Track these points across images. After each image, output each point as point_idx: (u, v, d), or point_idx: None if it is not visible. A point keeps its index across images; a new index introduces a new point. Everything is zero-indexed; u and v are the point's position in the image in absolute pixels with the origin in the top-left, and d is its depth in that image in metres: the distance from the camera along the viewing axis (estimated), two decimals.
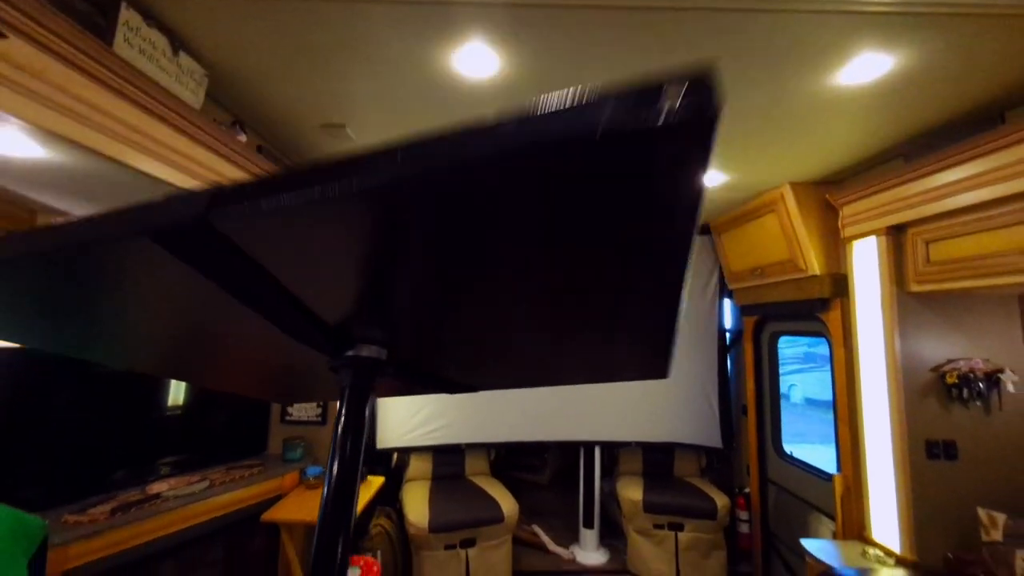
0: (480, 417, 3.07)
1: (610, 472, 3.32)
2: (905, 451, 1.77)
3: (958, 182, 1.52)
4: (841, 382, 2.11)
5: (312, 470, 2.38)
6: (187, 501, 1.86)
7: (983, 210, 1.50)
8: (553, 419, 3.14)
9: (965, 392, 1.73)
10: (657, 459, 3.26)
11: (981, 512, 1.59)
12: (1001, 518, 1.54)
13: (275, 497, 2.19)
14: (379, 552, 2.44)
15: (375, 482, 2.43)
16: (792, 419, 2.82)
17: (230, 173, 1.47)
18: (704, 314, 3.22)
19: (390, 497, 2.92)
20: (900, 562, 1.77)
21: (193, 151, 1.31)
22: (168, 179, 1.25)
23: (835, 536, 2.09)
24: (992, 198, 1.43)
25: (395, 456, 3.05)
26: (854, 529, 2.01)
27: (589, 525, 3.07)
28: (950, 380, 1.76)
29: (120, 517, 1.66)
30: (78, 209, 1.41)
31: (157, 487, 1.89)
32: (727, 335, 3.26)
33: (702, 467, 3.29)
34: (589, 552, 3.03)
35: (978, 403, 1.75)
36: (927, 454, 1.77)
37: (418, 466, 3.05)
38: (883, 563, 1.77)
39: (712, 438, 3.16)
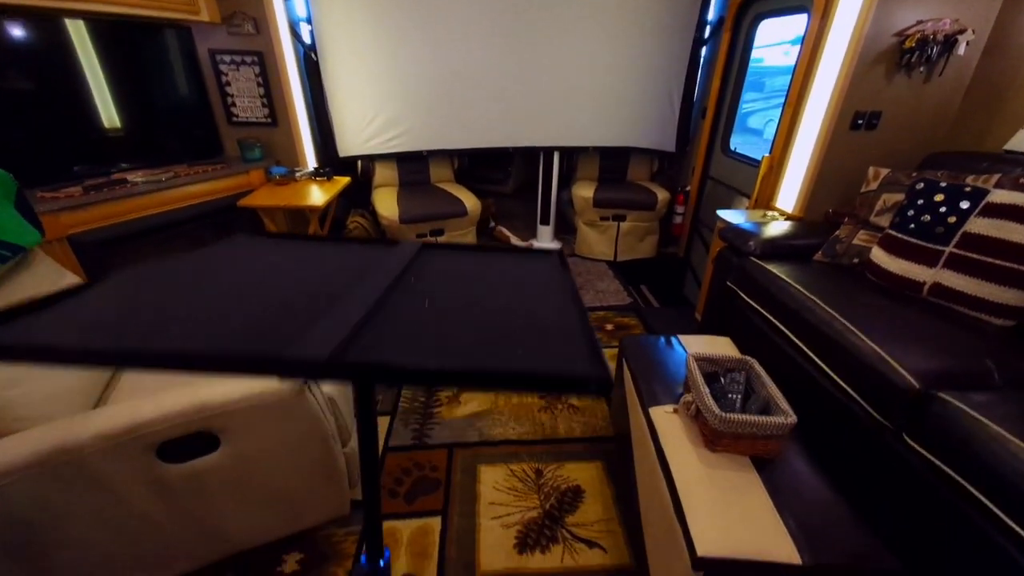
0: (440, 123, 3.03)
1: (568, 183, 3.56)
2: (833, 122, 1.88)
3: None
4: (804, 60, 2.04)
5: (276, 169, 2.47)
6: (157, 187, 1.97)
7: None
8: (514, 126, 3.13)
9: (916, 57, 1.71)
10: (612, 165, 3.46)
11: (871, 170, 1.83)
12: (884, 171, 1.78)
13: (247, 191, 2.34)
14: None
15: (341, 181, 2.57)
16: (743, 140, 2.86)
17: None
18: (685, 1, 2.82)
19: (363, 201, 3.16)
20: (789, 219, 2.15)
21: None
22: None
23: (748, 209, 2.45)
24: None
25: (360, 164, 3.13)
26: (764, 202, 2.34)
27: (545, 222, 3.50)
28: (908, 44, 1.71)
29: (95, 195, 1.78)
30: None
31: (120, 176, 1.96)
32: (707, 26, 2.94)
33: (653, 171, 3.53)
34: (544, 242, 3.57)
35: (922, 70, 1.77)
36: (851, 125, 1.89)
37: (384, 173, 3.19)
38: (774, 219, 2.13)
39: (667, 143, 3.28)
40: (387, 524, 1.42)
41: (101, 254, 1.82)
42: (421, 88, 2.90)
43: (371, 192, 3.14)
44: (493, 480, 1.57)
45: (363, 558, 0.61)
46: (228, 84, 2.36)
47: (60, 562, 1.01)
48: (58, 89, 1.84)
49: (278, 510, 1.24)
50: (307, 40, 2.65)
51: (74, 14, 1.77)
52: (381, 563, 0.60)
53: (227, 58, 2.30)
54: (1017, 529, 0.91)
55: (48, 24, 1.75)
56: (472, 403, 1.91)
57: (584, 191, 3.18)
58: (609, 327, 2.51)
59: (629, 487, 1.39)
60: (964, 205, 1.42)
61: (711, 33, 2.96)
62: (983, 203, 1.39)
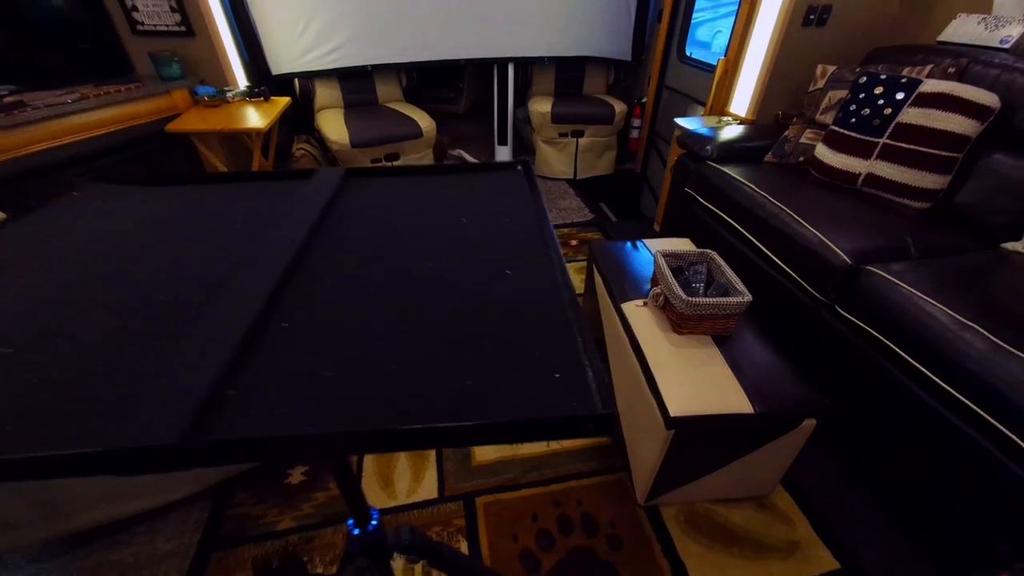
0: (382, 34, 2.76)
1: (524, 99, 3.42)
2: (787, 19, 1.89)
3: None
4: None
5: (203, 89, 2.19)
6: (61, 111, 1.71)
7: None
8: (464, 35, 2.90)
9: None
10: (568, 78, 3.33)
11: (819, 67, 1.89)
12: (831, 68, 1.84)
13: (173, 115, 2.08)
14: None
15: (280, 101, 2.34)
16: (696, 51, 2.80)
17: None
18: None
19: (306, 126, 2.91)
20: (742, 122, 2.21)
21: None
22: None
23: (703, 116, 2.49)
24: None
25: (297, 83, 2.83)
26: (719, 108, 2.38)
27: (503, 142, 3.40)
28: None
29: None
30: None
31: (13, 99, 1.68)
32: None
33: (609, 84, 3.45)
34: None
35: None
36: (804, 20, 1.91)
37: (326, 93, 2.91)
38: (728, 124, 2.19)
39: (623, 51, 3.17)
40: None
41: (6, 195, 1.61)
42: None
43: (313, 116, 2.89)
44: None
45: (350, 523, 0.55)
46: None
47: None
48: None
49: None
50: None
51: None
52: (370, 527, 0.55)
53: None
54: (923, 369, 1.11)
55: None
56: None
57: (541, 106, 3.08)
58: (574, 243, 2.58)
59: None
60: (899, 96, 1.53)
61: None
62: (915, 93, 1.50)
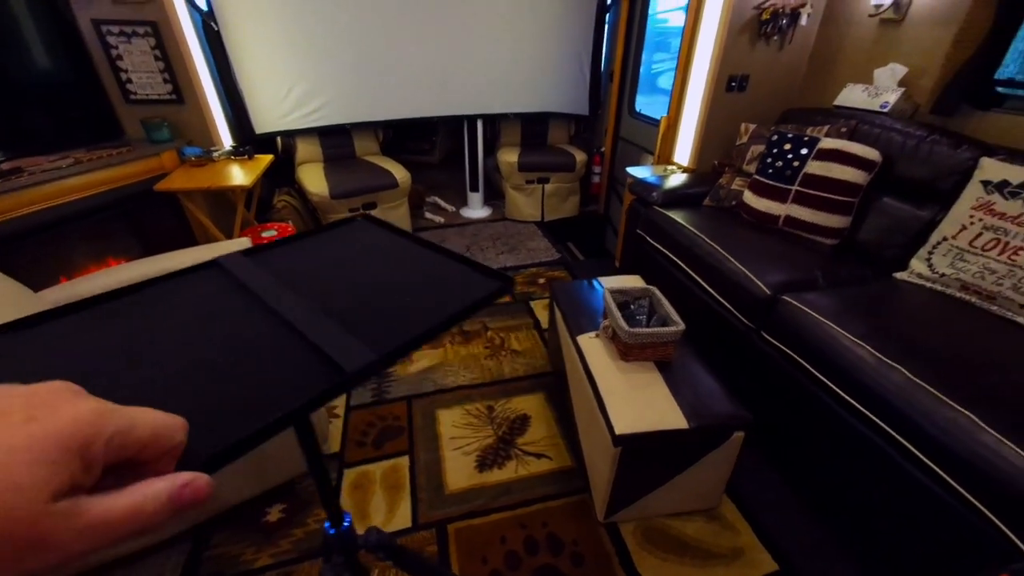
0: (360, 95, 3.01)
1: (493, 149, 3.70)
2: (712, 85, 2.20)
3: None
4: (688, 30, 2.32)
5: (190, 150, 2.36)
6: (56, 175, 1.84)
7: None
8: (436, 95, 3.18)
9: (771, 27, 2.05)
10: (533, 130, 3.64)
11: (742, 125, 2.19)
12: (751, 127, 2.14)
13: (161, 175, 2.23)
14: (288, 221, 2.78)
15: (263, 159, 2.51)
16: (652, 99, 3.16)
17: None
18: None
19: (288, 179, 3.08)
20: (685, 171, 2.49)
21: None
22: None
23: (652, 164, 2.78)
24: None
25: (279, 141, 3.03)
26: (666, 157, 2.67)
27: (475, 189, 3.64)
28: (765, 16, 2.04)
29: None
30: None
31: (11, 165, 1.81)
32: None
33: (571, 135, 3.77)
34: (476, 209, 3.72)
35: (776, 38, 2.12)
36: (727, 87, 2.22)
37: (307, 149, 3.12)
38: (672, 172, 2.47)
39: (581, 106, 3.51)
40: (360, 468, 1.59)
41: (1, 253, 1.70)
42: (337, 58, 2.85)
43: (294, 169, 3.07)
44: (451, 420, 1.79)
45: (327, 524, 0.66)
46: (120, 59, 2.18)
47: None
48: None
49: (258, 468, 1.36)
50: (203, 6, 2.48)
51: None
52: (344, 526, 0.66)
53: (115, 29, 2.12)
54: (829, 384, 1.29)
55: None
56: (423, 360, 2.09)
57: (509, 156, 3.35)
58: (541, 281, 2.76)
59: (567, 407, 1.67)
60: (804, 151, 1.80)
61: (612, 1, 3.17)
62: (816, 149, 1.77)
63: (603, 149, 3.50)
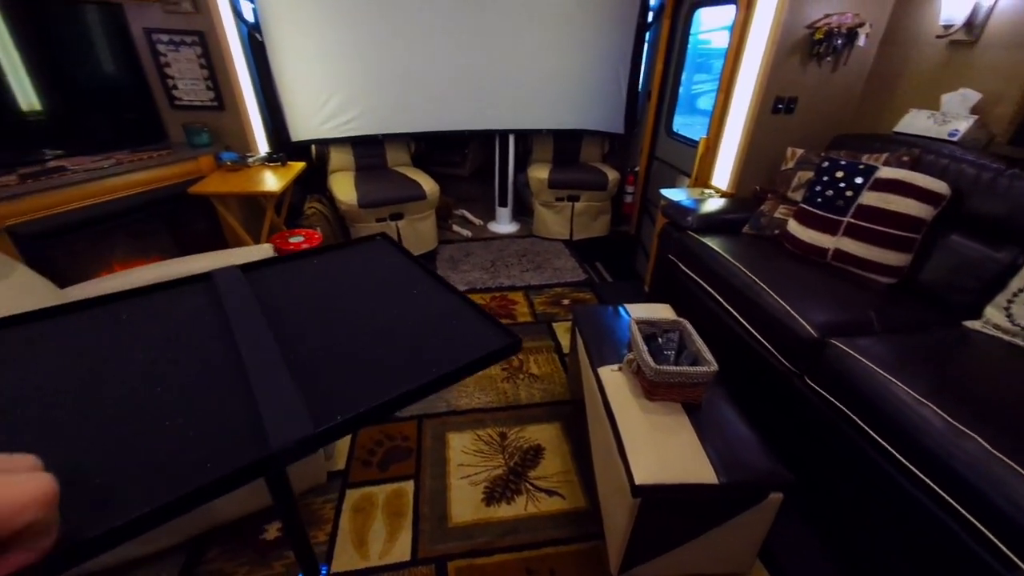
0: (396, 107, 3.03)
1: (524, 165, 3.66)
2: (758, 106, 2.08)
3: None
4: (733, 49, 2.22)
5: (226, 155, 2.41)
6: (97, 175, 1.90)
7: None
8: (470, 109, 3.18)
9: (824, 47, 1.92)
10: (565, 147, 3.58)
11: (788, 150, 2.05)
12: (799, 152, 2.00)
13: (197, 178, 2.28)
14: (317, 228, 2.80)
15: (296, 167, 2.54)
16: (691, 120, 3.06)
17: None
18: None
19: (319, 186, 3.13)
20: (723, 195, 2.36)
21: None
22: None
23: (688, 187, 2.65)
24: None
25: (314, 149, 3.09)
26: (703, 180, 2.55)
27: (503, 204, 3.60)
28: (817, 36, 1.91)
29: (32, 184, 1.71)
30: None
31: (57, 163, 1.88)
32: (649, 12, 3.08)
33: (604, 153, 3.69)
34: (503, 224, 3.67)
35: (829, 59, 1.98)
36: (773, 109, 2.09)
37: (340, 158, 3.16)
38: (710, 196, 2.34)
39: (616, 124, 3.43)
40: (363, 490, 1.52)
41: (44, 245, 1.76)
42: (374, 70, 2.89)
43: (326, 177, 3.11)
44: (461, 445, 1.70)
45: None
46: (168, 65, 2.26)
47: None
48: None
49: (260, 481, 1.31)
50: (250, 19, 2.56)
51: None
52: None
53: (164, 38, 2.20)
54: (884, 444, 1.14)
55: None
56: None
57: (539, 173, 3.29)
58: (566, 302, 2.66)
59: (584, 442, 1.56)
60: (859, 180, 1.65)
61: (654, 18, 3.10)
62: (872, 178, 1.62)
63: (637, 168, 3.40)
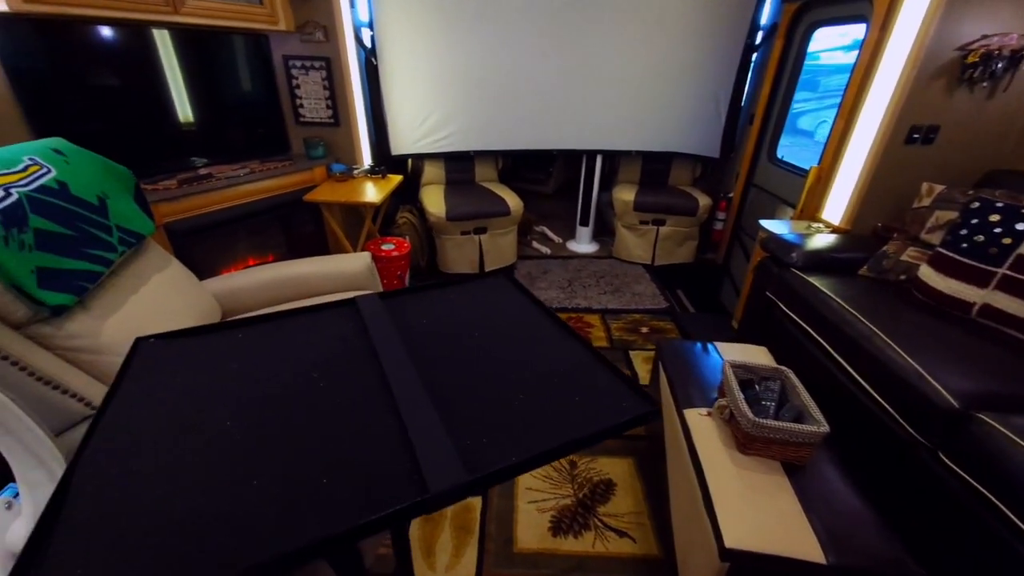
0: (487, 125, 3.15)
1: (609, 185, 3.61)
2: (887, 135, 1.86)
3: None
4: (859, 71, 2.02)
5: (336, 167, 2.65)
6: (235, 182, 2.18)
7: None
8: (558, 128, 3.21)
9: (979, 71, 1.68)
10: (654, 169, 3.48)
11: (924, 185, 1.80)
12: (938, 188, 1.75)
13: (310, 187, 2.53)
14: (407, 237, 2.97)
15: (394, 179, 2.73)
16: (791, 142, 2.82)
17: None
18: (736, 3, 2.80)
19: (411, 197, 3.33)
20: (835, 231, 2.13)
21: None
22: None
23: (792, 219, 2.44)
24: None
25: (410, 162, 3.29)
26: (810, 213, 2.33)
27: (585, 223, 3.57)
28: (971, 59, 1.68)
29: (187, 188, 2.00)
30: None
31: (206, 171, 2.18)
32: (758, 32, 2.91)
33: (695, 176, 3.53)
34: (583, 244, 3.64)
35: (985, 85, 1.73)
36: (906, 139, 1.86)
37: (432, 172, 3.34)
38: (819, 231, 2.13)
39: (711, 147, 3.26)
40: None
41: (189, 241, 2.05)
42: (470, 90, 3.03)
43: (419, 189, 3.30)
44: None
45: None
46: (298, 87, 2.55)
47: None
48: (145, 89, 2.02)
49: None
50: (368, 44, 2.81)
51: (165, 25, 1.95)
52: None
53: (298, 63, 2.49)
54: None
55: (136, 32, 1.92)
56: None
57: (625, 194, 3.23)
58: (644, 330, 2.56)
59: (660, 483, 1.47)
60: (1020, 227, 1.41)
61: (763, 38, 2.93)
62: None
63: (731, 195, 3.20)
